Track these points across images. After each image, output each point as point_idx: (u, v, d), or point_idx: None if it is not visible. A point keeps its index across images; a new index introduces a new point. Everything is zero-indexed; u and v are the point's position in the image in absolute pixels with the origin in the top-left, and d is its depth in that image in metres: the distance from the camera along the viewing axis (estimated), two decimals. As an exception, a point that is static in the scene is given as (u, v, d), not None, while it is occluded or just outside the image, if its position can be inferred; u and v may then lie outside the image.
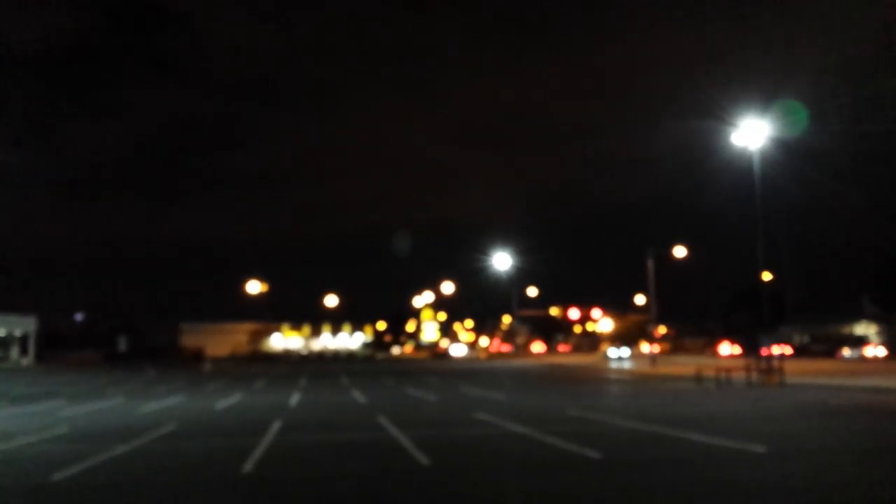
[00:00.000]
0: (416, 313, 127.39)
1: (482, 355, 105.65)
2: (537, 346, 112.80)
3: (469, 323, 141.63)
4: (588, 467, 10.20)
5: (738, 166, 30.86)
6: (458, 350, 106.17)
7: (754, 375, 28.07)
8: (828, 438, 13.16)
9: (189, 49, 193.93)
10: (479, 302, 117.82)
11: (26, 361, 76.93)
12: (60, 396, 27.15)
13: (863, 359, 60.11)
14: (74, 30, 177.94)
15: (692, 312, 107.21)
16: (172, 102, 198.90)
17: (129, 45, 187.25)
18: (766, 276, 31.01)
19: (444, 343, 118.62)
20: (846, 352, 63.94)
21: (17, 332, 79.87)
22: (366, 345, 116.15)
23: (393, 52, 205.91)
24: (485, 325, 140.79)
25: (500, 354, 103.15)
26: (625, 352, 72.76)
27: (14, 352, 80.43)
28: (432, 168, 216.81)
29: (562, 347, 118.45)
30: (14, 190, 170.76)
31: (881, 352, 62.08)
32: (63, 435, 14.93)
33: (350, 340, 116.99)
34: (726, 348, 75.55)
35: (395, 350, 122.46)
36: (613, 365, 54.92)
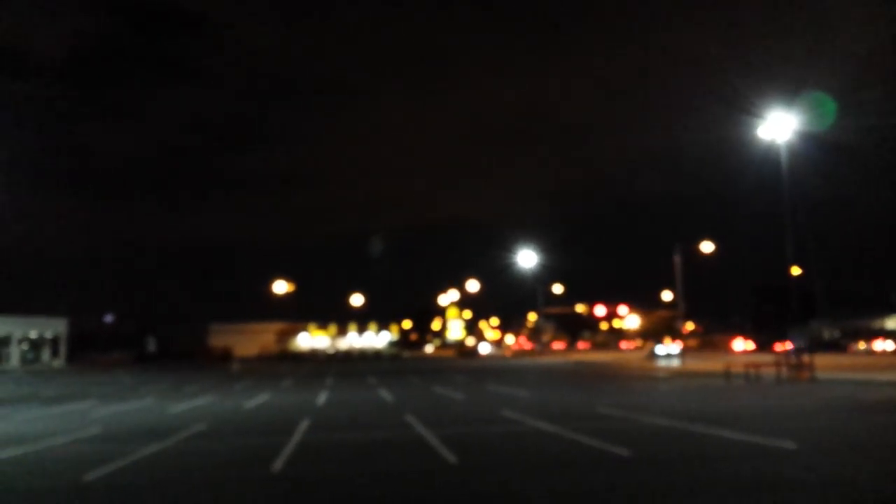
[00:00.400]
0: (441, 311, 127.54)
1: (507, 353, 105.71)
2: (557, 344, 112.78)
3: (494, 321, 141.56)
4: (617, 465, 10.13)
5: (764, 160, 30.45)
6: (486, 348, 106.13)
7: (784, 371, 27.69)
8: (859, 434, 12.92)
9: (209, 52, 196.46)
10: (504, 299, 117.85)
11: (57, 363, 78.32)
12: (92, 397, 27.56)
13: (871, 352, 60.27)
14: (95, 34, 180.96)
15: (718, 308, 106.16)
16: (195, 104, 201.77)
17: (149, 48, 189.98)
18: (795, 271, 30.62)
19: (470, 341, 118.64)
20: (861, 345, 64.11)
21: (48, 334, 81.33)
22: (392, 343, 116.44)
23: (414, 51, 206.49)
24: (510, 322, 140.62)
25: (526, 352, 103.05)
26: (674, 348, 63.60)
27: (45, 353, 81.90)
28: (456, 165, 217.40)
29: (581, 345, 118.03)
30: (40, 193, 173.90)
31: (889, 346, 62.36)
32: (95, 435, 15.15)
33: (376, 339, 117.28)
34: (740, 344, 74.74)
35: (429, 348, 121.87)
36: (662, 363, 50.30)
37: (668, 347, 64.64)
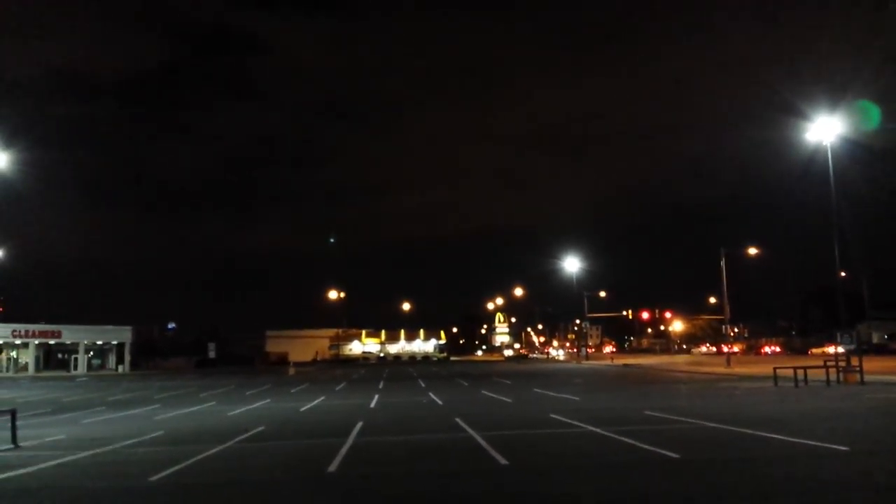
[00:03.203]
0: (488, 317, 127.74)
1: (557, 357, 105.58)
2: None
3: (540, 326, 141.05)
4: (667, 467, 10.12)
5: (811, 164, 29.97)
6: (558, 354, 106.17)
7: (833, 374, 27.08)
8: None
9: (266, 72, 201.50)
10: (549, 305, 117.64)
11: (122, 369, 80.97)
12: (155, 401, 28.55)
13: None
14: (155, 56, 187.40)
15: (765, 312, 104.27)
16: (251, 122, 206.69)
17: (210, 69, 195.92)
18: (842, 275, 29.96)
19: (517, 345, 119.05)
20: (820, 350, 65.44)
21: (114, 342, 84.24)
22: (440, 348, 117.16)
23: (459, 64, 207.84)
24: (556, 328, 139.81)
25: (574, 356, 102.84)
26: None
27: (111, 360, 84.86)
28: (504, 174, 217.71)
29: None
30: (107, 209, 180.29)
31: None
32: (159, 437, 15.78)
33: (425, 344, 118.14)
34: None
35: (507, 352, 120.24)
36: None
37: None
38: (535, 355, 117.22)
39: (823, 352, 72.81)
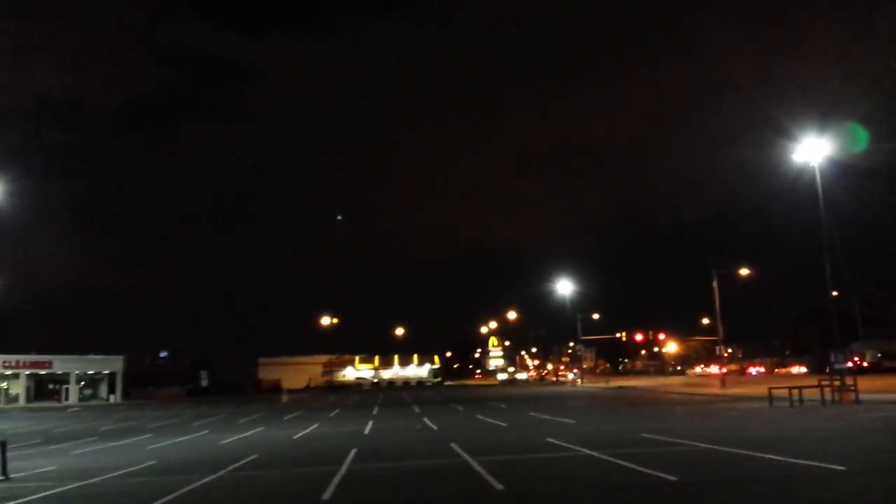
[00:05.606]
0: (482, 341, 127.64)
1: (550, 379, 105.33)
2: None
3: (534, 349, 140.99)
4: (665, 490, 10.07)
5: (797, 185, 30.27)
6: (572, 377, 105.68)
7: (828, 393, 27.08)
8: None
9: (258, 97, 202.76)
10: (543, 328, 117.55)
11: (114, 398, 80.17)
12: (148, 431, 28.28)
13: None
14: (151, 83, 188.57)
15: (758, 332, 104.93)
16: (242, 147, 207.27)
17: (201, 95, 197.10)
18: (834, 295, 30.18)
19: (511, 369, 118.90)
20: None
21: (106, 371, 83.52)
22: (434, 372, 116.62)
23: (449, 86, 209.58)
24: (549, 350, 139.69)
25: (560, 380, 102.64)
26: None
27: (102, 389, 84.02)
28: (496, 197, 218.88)
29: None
30: (97, 236, 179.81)
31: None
32: (151, 467, 15.63)
33: (419, 369, 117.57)
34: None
35: (521, 375, 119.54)
36: None
37: None
38: (551, 378, 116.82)
39: (787, 372, 78.14)
